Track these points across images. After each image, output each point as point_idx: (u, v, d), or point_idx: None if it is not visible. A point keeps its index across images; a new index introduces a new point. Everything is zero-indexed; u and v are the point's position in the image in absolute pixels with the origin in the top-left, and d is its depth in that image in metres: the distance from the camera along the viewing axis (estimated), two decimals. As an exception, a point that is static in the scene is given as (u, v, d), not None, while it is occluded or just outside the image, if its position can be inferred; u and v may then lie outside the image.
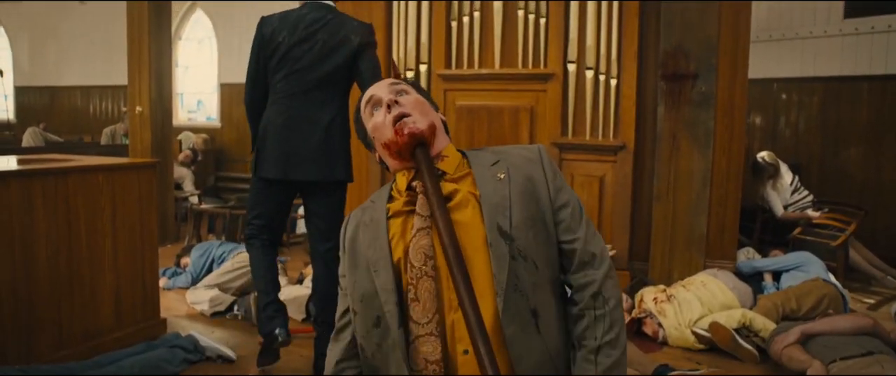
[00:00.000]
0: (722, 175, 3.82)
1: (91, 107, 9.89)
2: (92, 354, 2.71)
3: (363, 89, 2.44)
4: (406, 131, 1.16)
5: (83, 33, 9.72)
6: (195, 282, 3.94)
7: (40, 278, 2.56)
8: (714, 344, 3.02)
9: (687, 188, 3.77)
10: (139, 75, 5.24)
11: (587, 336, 1.10)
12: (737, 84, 3.77)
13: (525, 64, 4.16)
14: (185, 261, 4.17)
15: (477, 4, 4.26)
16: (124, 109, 7.86)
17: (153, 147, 5.26)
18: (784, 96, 5.65)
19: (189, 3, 8.59)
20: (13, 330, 2.47)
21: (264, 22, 2.54)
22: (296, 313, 3.45)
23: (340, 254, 1.24)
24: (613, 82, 3.93)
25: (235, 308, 3.56)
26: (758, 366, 2.90)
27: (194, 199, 6.26)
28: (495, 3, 4.19)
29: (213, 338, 3.02)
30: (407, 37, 4.44)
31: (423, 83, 4.38)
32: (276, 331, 2.54)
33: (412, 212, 1.14)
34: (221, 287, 3.72)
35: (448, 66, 4.37)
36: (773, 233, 4.95)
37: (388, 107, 1.19)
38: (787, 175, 4.81)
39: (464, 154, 1.23)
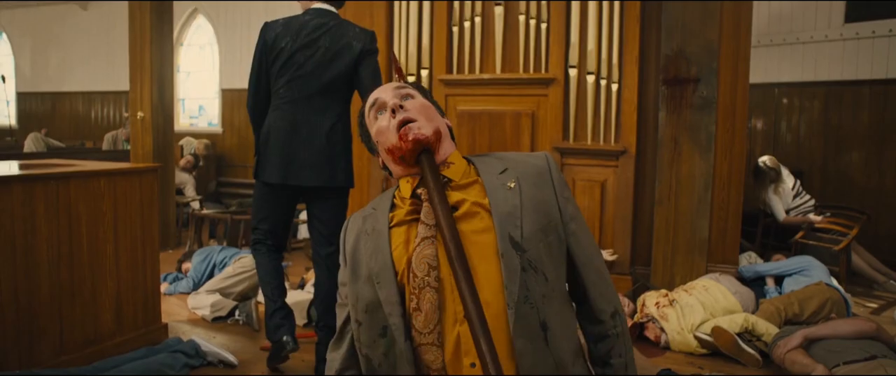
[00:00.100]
0: (723, 179, 3.82)
1: (93, 113, 9.91)
2: (93, 359, 2.70)
3: (363, 96, 2.44)
4: (411, 137, 1.12)
5: (85, 39, 9.75)
6: (196, 287, 3.94)
7: (42, 282, 2.56)
8: (716, 349, 3.01)
9: (689, 192, 3.77)
10: (141, 81, 5.25)
11: (613, 354, 1.16)
12: (738, 88, 3.77)
13: (526, 69, 4.17)
14: (186, 266, 4.17)
15: (478, 9, 4.27)
16: (126, 115, 7.88)
17: (155, 152, 5.27)
18: (785, 100, 5.65)
19: (191, 8, 8.61)
20: (14, 334, 2.46)
21: (267, 28, 2.55)
22: (297, 318, 3.42)
23: (340, 260, 1.21)
24: (615, 87, 3.94)
25: (237, 313, 3.56)
26: (760, 371, 2.89)
27: (196, 205, 6.27)
28: (496, 8, 4.20)
29: (214, 343, 3.02)
30: (408, 42, 4.45)
31: (424, 88, 4.39)
32: (285, 339, 2.56)
33: (416, 220, 1.11)
34: (223, 292, 3.72)
35: (449, 71, 4.38)
36: (775, 237, 4.95)
37: (393, 111, 1.16)
38: (788, 179, 4.81)
39: (469, 160, 1.20)
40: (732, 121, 3.79)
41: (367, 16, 4.49)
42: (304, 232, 5.64)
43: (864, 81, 5.16)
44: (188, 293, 3.93)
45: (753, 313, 3.22)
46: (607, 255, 3.90)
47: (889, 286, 4.30)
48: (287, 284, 3.88)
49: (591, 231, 1.23)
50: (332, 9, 2.59)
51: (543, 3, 4.09)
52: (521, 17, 4.14)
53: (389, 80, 4.02)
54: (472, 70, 4.33)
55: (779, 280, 3.77)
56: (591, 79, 3.97)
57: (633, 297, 3.75)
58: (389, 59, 4.32)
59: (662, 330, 3.20)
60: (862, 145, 5.20)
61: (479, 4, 4.28)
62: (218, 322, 3.54)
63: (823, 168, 5.41)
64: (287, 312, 2.65)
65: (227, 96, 8.35)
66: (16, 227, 2.46)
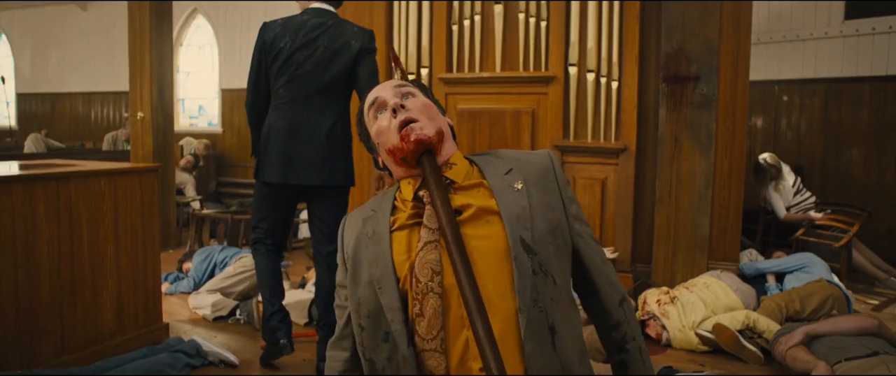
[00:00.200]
0: (724, 177, 3.81)
1: (93, 114, 9.91)
2: (94, 359, 2.70)
3: (361, 95, 2.44)
4: (412, 137, 1.09)
5: (85, 39, 9.75)
6: (197, 286, 3.94)
7: (42, 283, 2.56)
8: (718, 346, 3.01)
9: (689, 190, 3.77)
10: (140, 81, 5.25)
11: (627, 339, 1.15)
12: (738, 86, 3.77)
13: (526, 67, 4.16)
14: (187, 266, 4.17)
15: (478, 7, 4.27)
16: (126, 115, 7.89)
17: (155, 152, 5.26)
18: (785, 98, 5.65)
19: (190, 8, 8.61)
20: (15, 334, 2.46)
21: (266, 27, 2.55)
22: (298, 317, 3.44)
23: (339, 261, 1.18)
24: (615, 85, 3.93)
25: (237, 312, 3.56)
26: (762, 368, 2.89)
27: (196, 205, 6.27)
28: (496, 7, 4.20)
29: (215, 343, 3.02)
30: (408, 41, 4.45)
31: (424, 87, 4.38)
32: (281, 342, 2.59)
33: (418, 224, 1.08)
34: (223, 292, 3.72)
35: (449, 69, 4.38)
36: (775, 234, 4.94)
37: (394, 111, 1.12)
38: (789, 176, 4.81)
39: (471, 160, 1.17)
40: (733, 118, 3.79)
41: (367, 15, 4.49)
42: (304, 231, 5.64)
43: (864, 78, 5.15)
44: (189, 293, 3.93)
45: (755, 310, 3.22)
46: (608, 253, 3.90)
47: (890, 282, 4.30)
48: (287, 283, 3.89)
49: (592, 229, 1.22)
50: (331, 8, 2.59)
51: (543, 1, 4.08)
52: (521, 16, 4.13)
53: (388, 78, 4.01)
54: (471, 68, 4.33)
55: (780, 277, 3.77)
56: (591, 77, 3.97)
57: (635, 295, 3.75)
58: (389, 57, 4.32)
59: (664, 327, 3.20)
60: (862, 142, 5.19)
61: (478, 3, 4.27)
62: (219, 321, 3.54)
63: (824, 165, 5.40)
64: (284, 315, 2.66)
65: (227, 96, 8.34)
66: (16, 228, 2.46)
